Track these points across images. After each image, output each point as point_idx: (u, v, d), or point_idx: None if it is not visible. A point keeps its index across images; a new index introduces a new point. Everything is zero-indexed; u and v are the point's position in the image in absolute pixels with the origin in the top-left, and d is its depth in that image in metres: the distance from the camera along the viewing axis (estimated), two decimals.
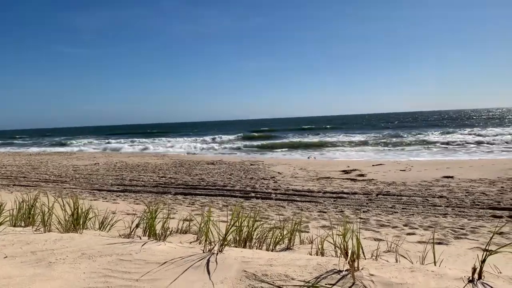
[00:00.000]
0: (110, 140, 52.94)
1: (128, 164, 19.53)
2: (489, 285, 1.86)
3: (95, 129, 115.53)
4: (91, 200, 9.59)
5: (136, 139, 52.40)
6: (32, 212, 3.94)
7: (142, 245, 2.71)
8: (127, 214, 6.92)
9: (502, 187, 10.06)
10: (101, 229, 3.96)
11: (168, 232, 3.69)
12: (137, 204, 9.16)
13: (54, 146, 48.00)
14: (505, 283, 1.91)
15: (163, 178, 13.81)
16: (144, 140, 50.58)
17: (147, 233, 3.42)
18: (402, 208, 8.22)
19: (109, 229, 3.98)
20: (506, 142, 27.10)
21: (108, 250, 2.64)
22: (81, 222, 3.64)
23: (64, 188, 12.23)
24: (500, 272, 2.31)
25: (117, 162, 20.47)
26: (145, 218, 3.57)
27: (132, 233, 3.51)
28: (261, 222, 3.79)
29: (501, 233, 5.86)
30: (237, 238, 3.05)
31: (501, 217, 7.23)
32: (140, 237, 3.31)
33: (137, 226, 3.60)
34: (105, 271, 2.29)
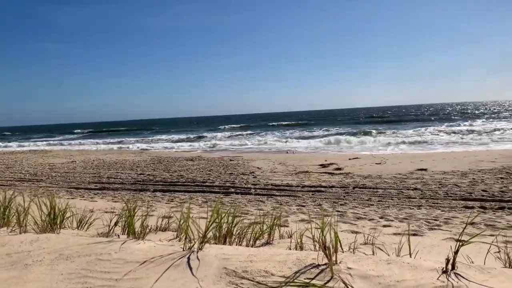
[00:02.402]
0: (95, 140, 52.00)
1: (105, 161, 19.25)
2: (461, 276, 1.93)
3: (79, 126, 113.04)
4: (68, 198, 9.41)
5: (113, 138, 51.62)
6: (6, 213, 3.85)
7: (121, 244, 2.69)
8: (106, 212, 6.84)
9: (473, 178, 10.36)
10: (79, 228, 3.91)
11: (147, 230, 3.67)
12: (115, 202, 9.05)
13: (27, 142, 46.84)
14: (477, 272, 1.99)
15: (142, 175, 13.67)
16: (122, 139, 49.84)
17: (126, 231, 3.39)
18: (378, 201, 8.38)
19: (87, 228, 3.93)
20: (472, 136, 27.84)
21: (87, 250, 2.62)
22: (58, 222, 3.58)
23: (40, 187, 11.97)
24: (472, 262, 2.41)
25: (94, 160, 20.14)
26: (123, 216, 3.54)
27: (111, 231, 3.48)
28: (241, 218, 3.81)
29: (473, 224, 6.06)
30: (217, 235, 3.06)
31: (472, 207, 7.46)
32: (118, 235, 3.29)
33: (115, 224, 3.56)
34: (83, 272, 2.27)
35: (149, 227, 3.90)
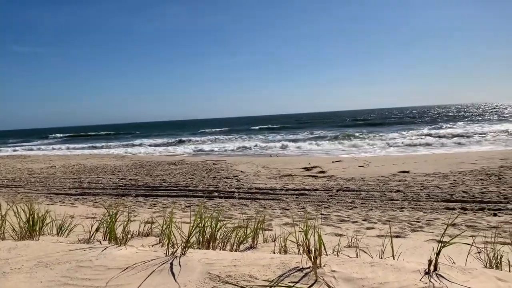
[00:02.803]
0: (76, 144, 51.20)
1: (86, 166, 18.96)
2: (443, 277, 1.95)
3: (58, 130, 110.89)
4: (48, 204, 9.23)
5: (94, 142, 50.95)
6: None
7: (103, 250, 2.64)
8: (86, 218, 6.72)
9: (454, 180, 10.53)
10: (59, 234, 3.83)
11: (130, 236, 3.62)
12: (96, 207, 8.91)
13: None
14: (459, 273, 2.01)
15: (123, 180, 13.50)
16: (103, 143, 49.25)
17: (108, 237, 3.34)
18: (361, 203, 8.45)
19: (68, 234, 3.85)
20: (453, 139, 28.36)
21: (67, 256, 2.56)
22: (37, 228, 3.50)
23: (19, 193, 11.71)
24: (454, 263, 2.43)
25: (74, 165, 19.82)
26: (105, 221, 3.49)
27: (92, 237, 3.42)
28: (225, 222, 3.79)
29: (454, 225, 6.15)
30: (201, 239, 3.03)
31: (454, 209, 7.58)
32: (100, 241, 3.23)
33: (97, 230, 3.50)
34: (63, 279, 2.22)
35: (131, 233, 3.85)
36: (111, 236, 3.28)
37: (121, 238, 3.32)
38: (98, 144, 44.16)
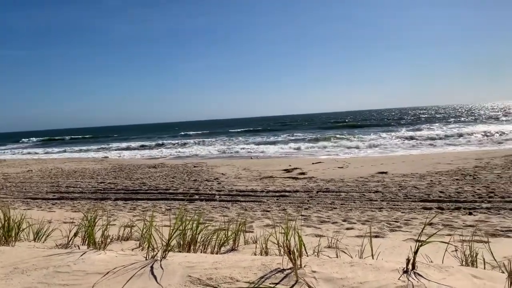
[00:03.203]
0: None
1: (64, 170, 18.61)
2: (421, 275, 1.99)
3: (35, 134, 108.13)
4: (24, 209, 9.01)
5: (72, 146, 50.04)
6: None
7: (81, 255, 2.60)
8: (64, 222, 6.59)
9: (431, 180, 10.74)
10: (36, 240, 3.75)
11: (109, 240, 3.57)
12: (75, 211, 8.75)
13: None
14: (436, 271, 2.05)
15: (102, 184, 13.30)
16: (81, 147, 48.41)
17: (86, 242, 3.28)
18: (341, 204, 8.53)
19: (45, 240, 3.77)
20: (429, 140, 28.93)
21: (44, 262, 2.51)
22: (13, 234, 3.41)
23: None
24: (431, 261, 2.48)
25: (52, 169, 19.43)
26: (83, 226, 3.43)
27: (70, 242, 3.35)
28: (206, 225, 3.77)
29: (431, 224, 6.27)
30: (181, 243, 3.01)
31: (431, 208, 7.73)
32: (79, 246, 3.17)
33: (75, 235, 3.44)
34: (40, 286, 2.18)
35: (111, 237, 3.80)
36: (90, 241, 3.22)
37: (100, 242, 3.27)
38: (76, 148, 43.42)
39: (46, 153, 39.41)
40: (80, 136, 78.66)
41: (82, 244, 3.31)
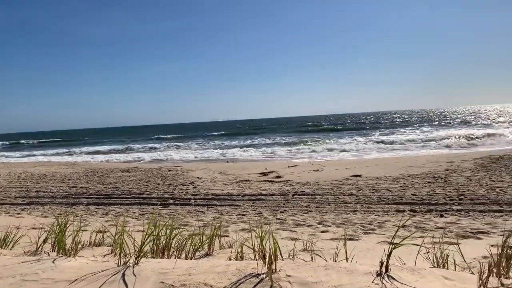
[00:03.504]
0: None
1: (34, 174, 18.09)
2: (394, 278, 2.01)
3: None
4: None
5: (41, 150, 48.75)
6: None
7: (51, 262, 2.51)
8: (34, 228, 6.40)
9: (404, 183, 10.95)
10: (3, 247, 3.61)
11: (80, 246, 3.47)
12: (44, 217, 8.51)
13: None
14: (408, 273, 2.08)
15: (74, 188, 13.00)
16: (52, 150, 47.21)
17: (56, 249, 3.19)
18: (316, 207, 8.59)
19: (13, 247, 3.64)
20: (403, 143, 29.54)
21: (10, 270, 2.42)
22: None
23: None
24: (404, 264, 2.52)
25: (21, 173, 18.86)
26: (53, 231, 3.33)
27: (39, 249, 3.25)
28: (180, 230, 3.72)
29: (404, 226, 6.38)
30: (155, 248, 2.96)
31: (404, 211, 7.87)
32: (48, 253, 3.08)
33: (44, 241, 3.33)
34: None
35: (82, 243, 3.71)
36: (60, 247, 3.13)
37: (70, 249, 3.18)
38: (46, 151, 42.29)
39: (17, 156, 38.25)
40: (49, 140, 76.33)
41: (52, 251, 3.21)
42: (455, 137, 30.56)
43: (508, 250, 2.34)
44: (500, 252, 2.33)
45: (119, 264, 2.43)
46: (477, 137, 29.29)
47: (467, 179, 11.00)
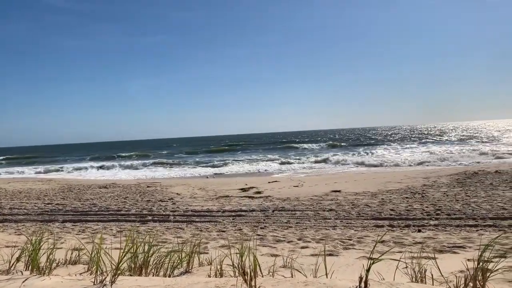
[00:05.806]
0: None
1: (8, 190, 17.59)
2: None
3: None
4: None
5: (16, 166, 47.47)
6: None
7: (23, 282, 2.44)
8: (6, 246, 6.20)
9: (382, 198, 11.07)
10: None
11: (55, 264, 3.39)
12: (18, 235, 8.25)
13: None
14: None
15: (50, 205, 12.68)
16: (25, 167, 46.02)
17: (30, 267, 3.10)
18: (296, 223, 8.59)
19: None
20: (383, 158, 29.94)
21: None
22: None
23: None
24: (383, 279, 2.53)
25: None
26: (27, 250, 3.23)
27: (12, 268, 3.15)
28: (159, 247, 3.66)
29: (383, 242, 6.43)
30: (132, 266, 2.91)
31: (382, 226, 7.94)
32: (21, 272, 2.98)
33: (17, 259, 3.23)
34: None
35: (57, 261, 3.61)
36: (34, 266, 3.04)
37: (45, 267, 3.10)
38: (22, 168, 41.19)
39: None
40: (20, 156, 73.70)
41: (25, 270, 3.11)
42: (432, 153, 31.24)
43: (483, 264, 2.38)
44: (476, 266, 2.37)
45: (95, 283, 2.38)
46: (452, 153, 29.97)
47: (444, 195, 11.20)
